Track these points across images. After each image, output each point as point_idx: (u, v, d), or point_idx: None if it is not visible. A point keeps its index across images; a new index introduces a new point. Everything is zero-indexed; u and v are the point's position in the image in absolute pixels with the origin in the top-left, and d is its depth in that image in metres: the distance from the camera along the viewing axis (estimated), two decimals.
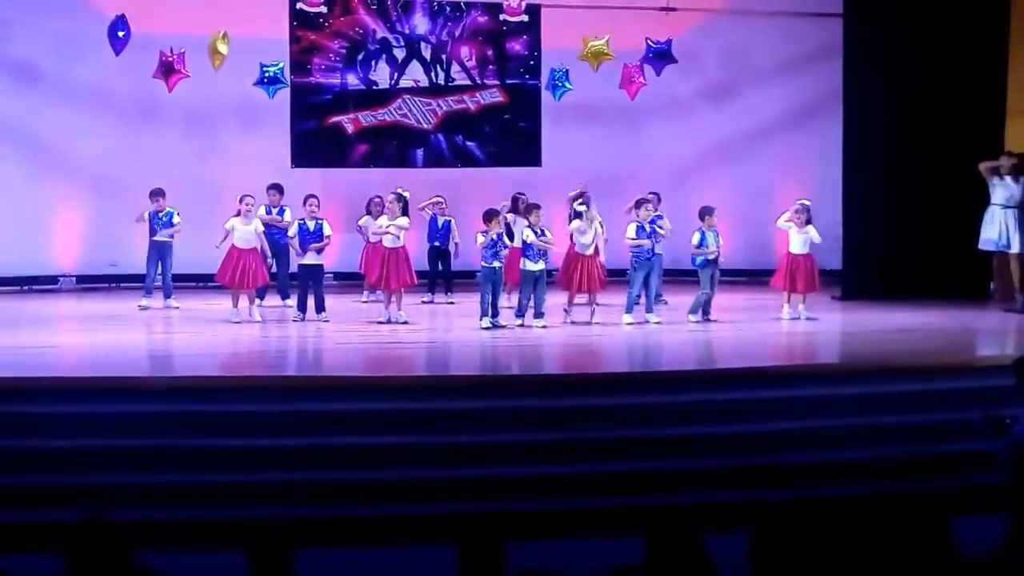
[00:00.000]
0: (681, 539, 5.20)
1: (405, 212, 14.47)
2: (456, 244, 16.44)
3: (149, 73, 15.99)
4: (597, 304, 14.38)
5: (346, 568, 8.43)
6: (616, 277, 14.98)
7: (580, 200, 14.55)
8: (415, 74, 18.05)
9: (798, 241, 14.35)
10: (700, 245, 14.18)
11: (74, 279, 18.14)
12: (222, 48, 15.68)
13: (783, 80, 18.91)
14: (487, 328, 13.55)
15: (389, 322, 14.13)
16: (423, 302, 16.03)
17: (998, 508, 8.19)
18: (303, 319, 14.42)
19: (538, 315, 13.74)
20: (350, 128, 17.99)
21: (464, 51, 18.10)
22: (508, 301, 14.74)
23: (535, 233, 13.75)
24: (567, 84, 17.30)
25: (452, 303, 16.19)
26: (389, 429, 9.91)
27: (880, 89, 15.94)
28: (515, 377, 11.45)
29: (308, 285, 14.56)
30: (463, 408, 10.22)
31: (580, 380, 11.04)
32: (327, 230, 14.69)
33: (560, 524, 8.99)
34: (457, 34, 18.03)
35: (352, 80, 17.86)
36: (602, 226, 14.38)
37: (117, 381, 10.35)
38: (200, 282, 17.57)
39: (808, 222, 14.38)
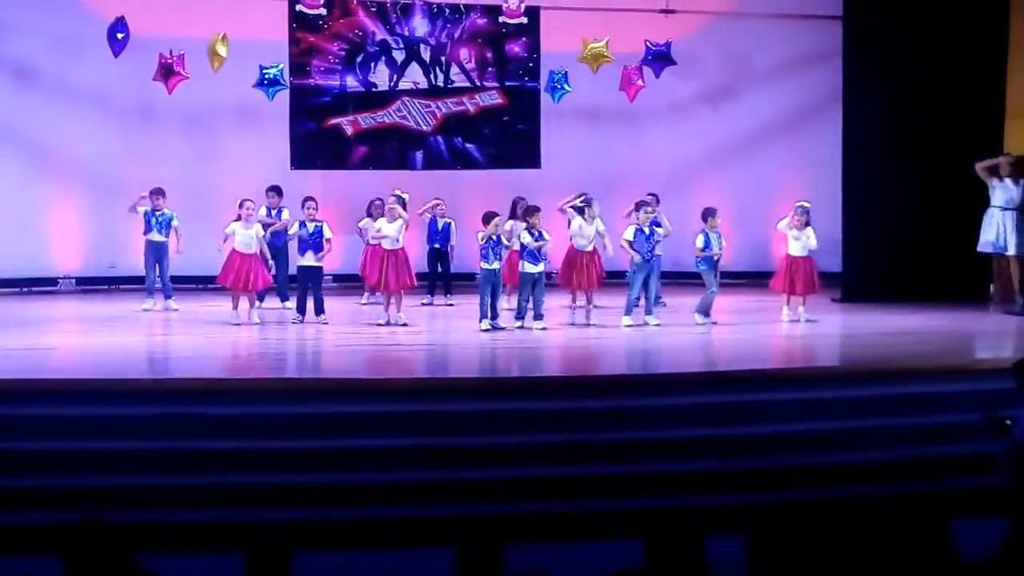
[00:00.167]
0: (680, 542, 5.19)
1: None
2: (452, 247, 16.43)
3: (148, 75, 15.99)
4: (594, 306, 14.38)
5: (344, 570, 8.43)
6: (615, 279, 14.97)
7: (582, 198, 14.52)
8: (414, 76, 18.03)
9: (797, 243, 14.34)
10: (705, 247, 14.15)
11: (73, 281, 18.13)
12: (221, 50, 15.69)
13: (782, 82, 18.90)
14: (486, 330, 13.54)
15: (388, 324, 14.12)
16: (423, 304, 16.02)
17: (998, 511, 8.19)
18: (302, 321, 14.42)
19: (537, 317, 13.74)
20: (349, 130, 17.97)
21: (463, 53, 18.08)
22: (508, 303, 14.74)
23: (532, 235, 13.75)
24: (566, 86, 17.29)
25: (451, 305, 16.18)
26: (388, 431, 9.91)
27: (879, 91, 15.94)
28: (514, 379, 11.44)
29: (307, 287, 14.56)
30: (462, 410, 10.21)
31: (579, 382, 11.03)
32: (327, 233, 14.68)
33: (559, 526, 8.99)
34: (456, 36, 18.02)
35: (351, 82, 17.85)
36: (603, 224, 14.37)
37: (116, 383, 10.35)
38: (199, 284, 17.59)
39: (807, 224, 14.37)
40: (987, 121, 15.92)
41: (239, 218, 14.30)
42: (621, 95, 17.29)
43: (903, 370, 11.18)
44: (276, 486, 9.27)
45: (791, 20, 18.43)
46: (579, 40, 16.87)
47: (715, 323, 14.06)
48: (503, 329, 13.65)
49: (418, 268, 15.08)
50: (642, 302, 14.21)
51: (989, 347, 13.27)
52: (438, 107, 18.10)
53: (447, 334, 14.30)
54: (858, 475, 9.69)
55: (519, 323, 13.81)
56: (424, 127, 18.12)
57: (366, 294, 16.22)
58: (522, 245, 13.90)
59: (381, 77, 17.93)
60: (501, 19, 17.87)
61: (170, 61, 15.76)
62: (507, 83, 18.17)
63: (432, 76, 18.05)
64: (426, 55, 17.97)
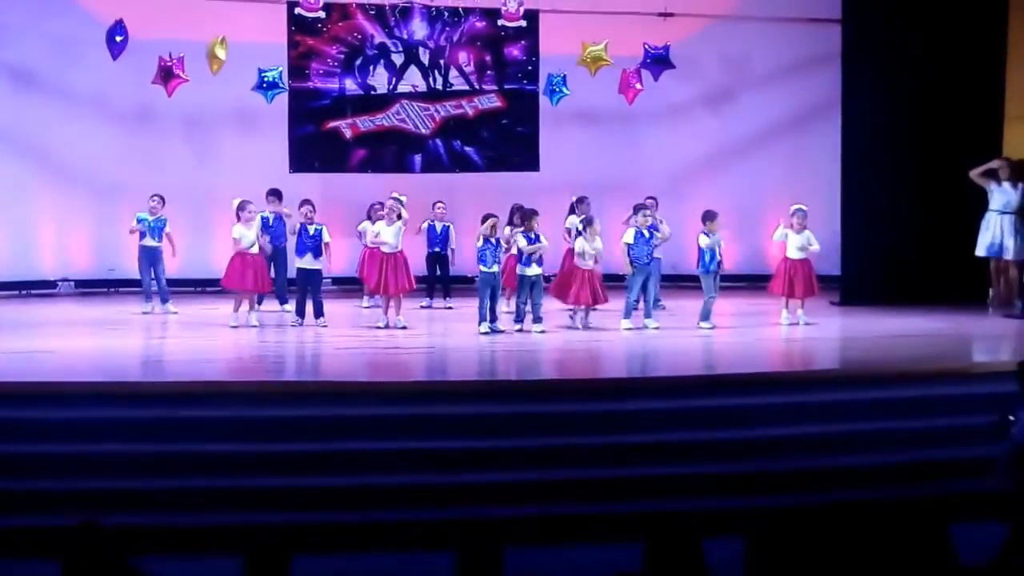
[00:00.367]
0: (679, 545, 5.19)
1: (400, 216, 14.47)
2: (451, 250, 16.43)
3: (147, 78, 16.01)
4: (593, 309, 14.38)
5: (343, 573, 8.42)
6: (614, 283, 14.97)
7: (583, 217, 14.45)
8: (413, 79, 18.04)
9: (795, 246, 14.34)
10: (708, 248, 14.10)
11: (72, 284, 18.14)
12: (220, 53, 15.71)
13: (781, 86, 18.90)
14: (485, 333, 13.54)
15: (387, 327, 14.12)
16: (422, 307, 16.03)
17: (997, 515, 8.18)
18: (301, 324, 14.41)
19: (536, 320, 13.74)
20: (348, 133, 17.98)
21: (462, 56, 18.09)
22: (507, 306, 14.74)
23: (527, 239, 13.75)
24: (564, 89, 17.32)
25: (450, 308, 16.18)
26: (387, 434, 9.90)
27: (878, 94, 15.94)
28: (513, 382, 11.43)
29: (306, 290, 14.56)
30: (461, 413, 10.21)
31: (578, 386, 11.02)
32: (326, 236, 14.69)
33: (558, 529, 8.98)
34: (455, 39, 18.03)
35: (350, 85, 17.85)
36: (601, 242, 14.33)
37: (115, 386, 10.35)
38: (198, 287, 17.60)
39: (804, 227, 14.38)
40: (986, 124, 15.92)
41: (239, 219, 14.26)
42: (620, 98, 17.32)
43: (902, 373, 11.17)
44: (275, 489, 9.26)
45: (789, 23, 18.42)
46: (578, 43, 16.91)
47: (714, 327, 14.04)
48: (502, 332, 13.65)
49: (417, 271, 15.07)
50: (641, 305, 14.21)
51: (988, 350, 13.27)
52: (437, 110, 18.11)
53: (446, 337, 14.29)
54: (857, 479, 9.68)
55: (518, 326, 13.81)
56: (423, 130, 18.12)
57: (366, 298, 16.22)
58: (519, 248, 13.91)
59: (380, 80, 17.95)
60: (500, 22, 17.89)
61: (170, 64, 15.79)
62: (506, 86, 18.18)
63: (431, 79, 18.06)
64: (425, 58, 17.98)
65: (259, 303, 14.88)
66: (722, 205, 15.06)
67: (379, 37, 17.86)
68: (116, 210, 17.15)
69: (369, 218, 15.82)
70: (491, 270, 13.74)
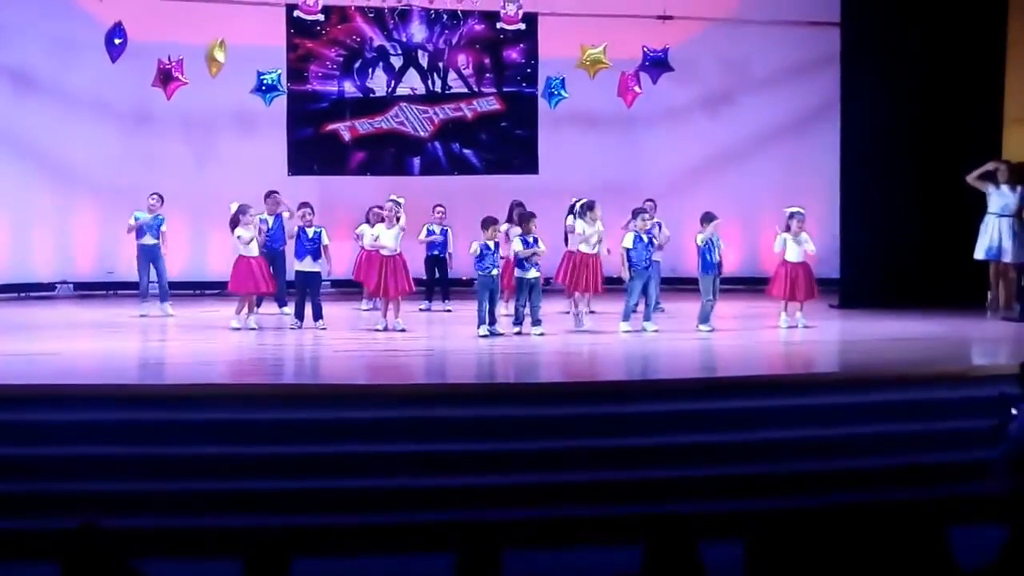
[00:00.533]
0: (678, 547, 5.19)
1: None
2: (449, 254, 16.44)
3: (146, 80, 16.03)
4: (591, 311, 14.39)
5: None
6: (614, 285, 14.98)
7: (583, 201, 14.46)
8: (412, 82, 18.06)
9: (794, 249, 14.33)
10: (706, 247, 14.10)
11: (71, 286, 18.14)
12: (219, 56, 15.73)
13: (780, 89, 18.92)
14: (484, 336, 13.54)
15: (386, 330, 14.12)
16: (420, 310, 16.03)
17: (996, 518, 8.18)
18: (300, 327, 14.42)
19: (535, 323, 13.74)
20: (347, 136, 17.99)
21: (461, 59, 18.11)
22: (506, 309, 14.74)
23: (524, 243, 13.75)
24: (563, 92, 17.34)
25: (449, 311, 16.19)
26: (386, 437, 9.90)
27: (877, 97, 15.94)
28: (512, 385, 11.43)
29: (305, 293, 14.56)
30: (460, 416, 10.20)
31: (577, 388, 11.02)
32: (325, 239, 14.71)
33: (557, 532, 8.97)
34: (454, 42, 18.04)
35: (349, 88, 17.87)
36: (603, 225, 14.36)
37: (114, 389, 10.33)
38: (196, 290, 17.60)
39: (802, 230, 14.38)
40: (985, 127, 15.93)
41: (238, 223, 14.24)
42: (619, 101, 17.33)
43: (901, 377, 11.17)
44: (275, 491, 9.26)
45: (788, 26, 18.43)
46: (577, 46, 16.92)
47: (712, 329, 14.04)
48: (501, 335, 13.65)
49: (415, 274, 15.06)
50: (640, 308, 14.21)
51: (987, 353, 13.27)
52: (436, 113, 18.13)
53: (445, 340, 14.29)
54: (856, 481, 9.67)
55: (517, 329, 13.81)
56: (422, 133, 18.14)
57: (365, 300, 16.22)
58: (515, 253, 13.92)
59: (379, 83, 17.97)
60: (499, 25, 17.90)
61: (169, 67, 15.80)
62: (505, 89, 18.20)
63: (430, 82, 18.08)
64: (424, 61, 18.00)
65: (258, 306, 14.88)
66: (721, 208, 15.06)
67: (378, 40, 17.88)
68: (115, 212, 17.14)
69: (367, 221, 15.83)
70: (490, 273, 13.73)
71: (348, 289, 17.11)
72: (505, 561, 5.38)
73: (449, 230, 16.46)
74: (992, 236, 15.11)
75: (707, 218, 14.29)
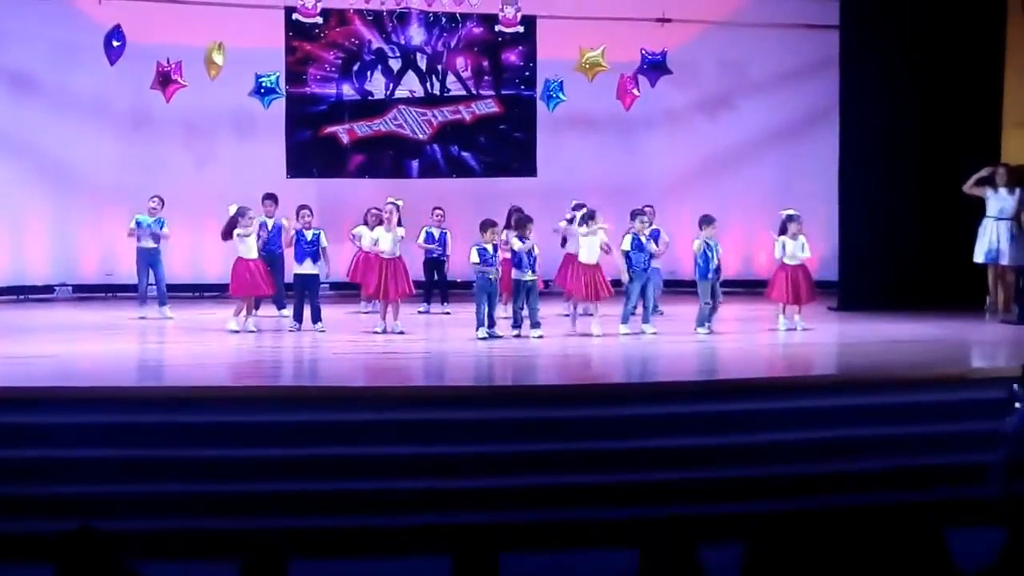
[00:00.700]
0: (676, 550, 5.18)
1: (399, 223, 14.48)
2: (447, 256, 16.43)
3: (145, 83, 16.02)
4: (589, 313, 14.38)
5: None
6: (613, 287, 14.96)
7: (584, 211, 14.42)
8: (410, 84, 18.07)
9: (793, 252, 14.33)
10: (703, 255, 14.10)
11: (70, 288, 18.13)
12: (218, 58, 15.71)
13: (779, 92, 18.92)
14: (483, 338, 13.53)
15: (385, 332, 14.11)
16: (419, 312, 16.02)
17: (995, 520, 8.18)
18: (299, 329, 14.41)
19: (534, 325, 13.74)
20: (345, 138, 17.99)
21: (460, 62, 18.11)
22: (504, 311, 14.73)
23: (521, 242, 13.77)
24: (561, 95, 17.34)
25: (448, 313, 16.17)
26: (384, 439, 9.89)
27: (876, 100, 15.95)
28: (511, 387, 11.42)
29: (304, 295, 14.56)
30: (459, 419, 10.19)
31: (576, 391, 11.00)
32: (323, 241, 14.71)
33: (555, 535, 8.97)
34: (453, 45, 18.05)
35: (347, 90, 17.87)
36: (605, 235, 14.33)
37: (112, 391, 10.32)
38: (195, 292, 17.59)
39: (800, 232, 14.38)
40: (984, 130, 15.94)
41: (237, 224, 14.23)
42: (617, 104, 17.33)
43: (900, 379, 11.17)
44: (272, 493, 9.25)
45: (787, 29, 18.46)
46: (575, 49, 16.92)
47: (710, 332, 14.03)
48: (500, 337, 13.64)
49: (414, 276, 15.05)
50: (639, 310, 14.21)
51: (985, 356, 13.27)
52: (434, 115, 18.14)
53: (443, 342, 14.28)
54: (855, 484, 9.67)
55: (515, 331, 13.81)
56: (420, 135, 18.14)
57: (364, 303, 16.21)
58: (514, 253, 13.90)
59: (377, 85, 17.98)
60: (497, 28, 17.91)
61: (167, 69, 15.79)
62: (503, 91, 18.21)
63: (428, 84, 18.09)
64: (422, 63, 18.01)
65: (256, 308, 14.88)
66: (719, 211, 15.07)
67: (376, 42, 17.88)
68: (114, 215, 17.14)
69: (365, 223, 15.82)
70: (489, 276, 13.72)
71: (347, 291, 17.11)
72: (502, 564, 5.37)
73: (448, 233, 16.45)
74: (991, 239, 15.13)
75: (705, 221, 14.29)
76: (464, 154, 18.32)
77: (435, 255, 16.43)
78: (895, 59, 15.97)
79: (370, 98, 17.99)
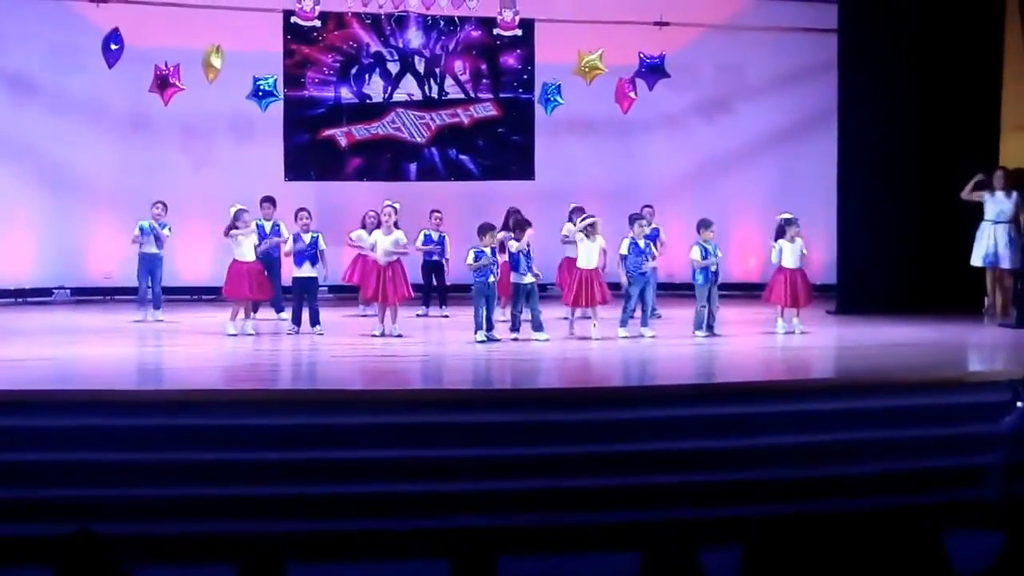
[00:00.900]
0: (676, 554, 5.18)
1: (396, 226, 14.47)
2: (446, 259, 16.42)
3: (143, 86, 16.04)
4: (586, 316, 14.38)
5: None
6: (612, 291, 14.96)
7: (584, 218, 14.38)
8: (409, 88, 18.08)
9: (791, 255, 14.33)
10: (704, 259, 14.09)
11: (68, 291, 18.12)
12: (216, 62, 15.73)
13: (777, 95, 18.93)
14: (482, 342, 13.53)
15: (383, 335, 14.11)
16: (418, 315, 16.02)
17: (993, 524, 8.18)
18: (298, 332, 14.40)
19: (537, 328, 13.72)
20: (343, 141, 18.00)
21: (458, 65, 18.12)
22: (503, 315, 14.72)
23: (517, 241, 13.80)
24: (558, 98, 17.36)
25: (446, 316, 16.17)
26: (383, 443, 9.88)
27: (875, 104, 15.96)
28: (509, 391, 11.42)
29: (303, 298, 14.55)
30: (457, 422, 10.18)
31: (574, 394, 11.00)
32: (322, 244, 14.71)
33: (554, 539, 8.95)
34: (451, 48, 18.06)
35: (346, 94, 17.88)
36: (604, 240, 14.32)
37: (111, 394, 10.31)
38: (193, 295, 17.58)
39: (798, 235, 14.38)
40: (983, 134, 15.96)
41: (235, 227, 14.22)
42: (615, 107, 17.35)
43: (898, 382, 11.16)
44: (270, 497, 9.24)
45: (785, 33, 18.47)
46: (573, 52, 16.94)
47: (708, 335, 14.03)
48: (498, 341, 13.63)
49: (413, 280, 15.05)
50: (638, 314, 14.20)
51: (984, 360, 13.26)
52: (432, 119, 18.14)
53: (442, 346, 14.27)
54: (853, 487, 9.66)
55: (513, 335, 13.80)
56: (418, 139, 18.15)
57: (362, 306, 16.20)
58: (512, 255, 13.90)
59: (375, 89, 17.98)
60: (495, 31, 17.93)
61: (166, 72, 15.81)
62: (501, 95, 18.22)
63: (426, 88, 18.09)
64: (420, 67, 18.02)
65: (255, 311, 14.88)
66: (717, 215, 15.06)
67: (375, 46, 17.89)
68: (112, 218, 17.16)
69: (363, 226, 15.82)
70: (487, 279, 13.71)
71: (345, 295, 17.11)
72: (501, 567, 5.37)
73: (446, 236, 16.45)
74: (989, 243, 15.14)
75: (703, 224, 14.30)
76: (462, 157, 18.33)
77: (433, 258, 16.43)
78: (893, 63, 15.98)
79: (368, 101, 17.99)
